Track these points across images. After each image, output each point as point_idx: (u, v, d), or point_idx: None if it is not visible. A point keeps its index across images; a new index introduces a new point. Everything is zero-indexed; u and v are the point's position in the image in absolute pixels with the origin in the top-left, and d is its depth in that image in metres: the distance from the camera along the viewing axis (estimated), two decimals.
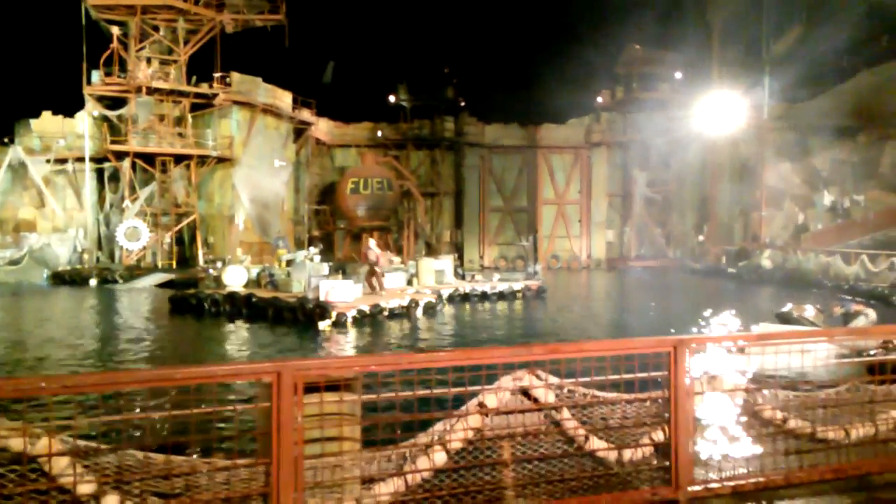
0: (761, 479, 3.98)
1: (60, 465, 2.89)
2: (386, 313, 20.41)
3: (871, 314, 14.52)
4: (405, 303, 21.28)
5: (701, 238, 44.46)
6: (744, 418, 4.07)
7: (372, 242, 24.09)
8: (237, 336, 18.65)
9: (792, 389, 4.28)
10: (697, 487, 3.82)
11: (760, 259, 35.25)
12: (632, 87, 47.57)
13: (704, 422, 3.92)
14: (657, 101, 46.80)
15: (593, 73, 48.99)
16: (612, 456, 3.78)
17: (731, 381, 4.05)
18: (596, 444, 3.77)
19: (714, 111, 38.25)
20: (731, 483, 3.92)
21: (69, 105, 37.02)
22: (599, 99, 49.24)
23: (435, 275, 26.44)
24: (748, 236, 40.62)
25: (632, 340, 3.92)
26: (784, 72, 36.41)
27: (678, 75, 47.06)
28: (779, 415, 4.13)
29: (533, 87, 48.41)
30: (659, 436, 3.83)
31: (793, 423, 4.15)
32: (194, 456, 3.17)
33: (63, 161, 36.39)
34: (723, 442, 3.98)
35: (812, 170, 38.66)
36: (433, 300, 22.42)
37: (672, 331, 15.99)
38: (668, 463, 3.80)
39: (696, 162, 45.05)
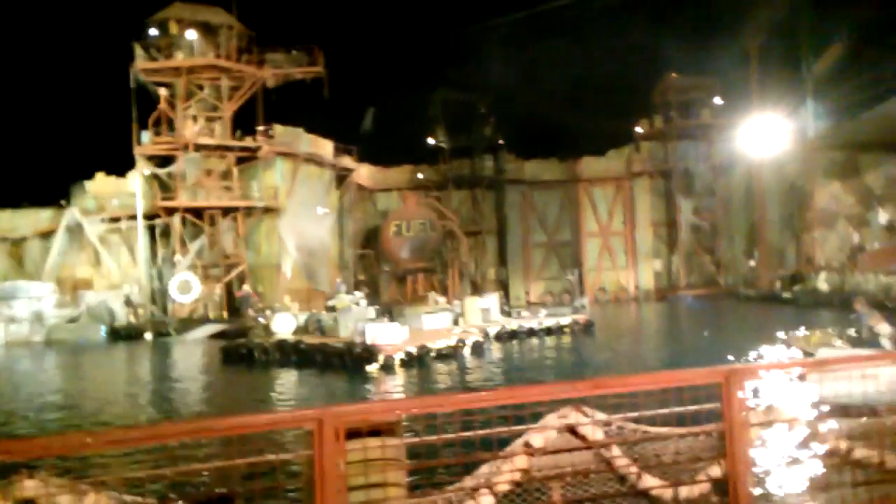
0: None
1: None
2: (434, 354, 20.32)
3: (886, 329, 13.42)
4: (452, 343, 21.17)
5: (752, 263, 43.33)
6: (805, 449, 3.88)
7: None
8: (287, 383, 18.78)
9: (856, 417, 4.07)
10: None
11: (816, 282, 34.16)
12: (670, 116, 47.20)
13: (763, 455, 3.75)
14: (698, 127, 46.35)
15: (630, 103, 48.85)
16: (668, 494, 3.63)
17: (789, 411, 3.88)
18: (650, 481, 3.63)
19: (757, 134, 37.61)
20: None
21: (121, 165, 38.42)
22: (638, 129, 48.97)
23: (481, 313, 26.27)
24: (801, 259, 39.46)
25: (681, 372, 3.78)
26: (827, 90, 35.68)
27: (718, 100, 46.56)
28: (843, 444, 3.93)
29: (570, 121, 48.45)
30: (715, 471, 3.67)
31: (859, 453, 3.93)
32: None
33: (116, 219, 37.64)
34: (784, 475, 3.79)
35: (864, 188, 37.53)
36: (480, 339, 22.26)
37: (727, 360, 15.52)
38: (726, 499, 3.63)
39: (741, 186, 44.25)
